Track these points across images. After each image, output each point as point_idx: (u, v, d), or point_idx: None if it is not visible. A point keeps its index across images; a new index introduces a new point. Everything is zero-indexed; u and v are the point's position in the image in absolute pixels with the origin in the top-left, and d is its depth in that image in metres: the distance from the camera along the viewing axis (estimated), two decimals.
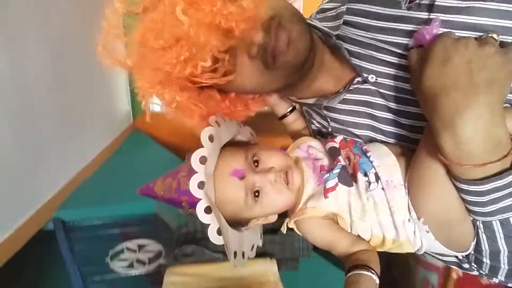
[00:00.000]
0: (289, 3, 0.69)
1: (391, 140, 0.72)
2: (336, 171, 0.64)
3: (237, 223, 0.68)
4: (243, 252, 0.67)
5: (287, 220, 0.69)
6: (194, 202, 0.62)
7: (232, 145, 0.69)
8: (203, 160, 0.61)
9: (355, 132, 0.76)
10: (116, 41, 0.65)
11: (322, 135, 0.83)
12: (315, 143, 0.73)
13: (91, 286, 1.54)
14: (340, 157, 0.67)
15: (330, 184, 0.63)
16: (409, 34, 0.65)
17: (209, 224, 0.61)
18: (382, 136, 0.73)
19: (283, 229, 0.70)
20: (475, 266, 0.60)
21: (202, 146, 0.62)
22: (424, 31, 0.60)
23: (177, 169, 0.69)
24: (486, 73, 0.51)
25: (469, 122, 0.50)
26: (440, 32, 0.59)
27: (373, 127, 0.73)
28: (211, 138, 0.63)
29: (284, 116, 0.86)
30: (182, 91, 0.67)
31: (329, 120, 0.78)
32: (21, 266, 1.72)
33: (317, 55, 0.71)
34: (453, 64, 0.53)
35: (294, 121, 0.86)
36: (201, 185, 0.61)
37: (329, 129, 0.79)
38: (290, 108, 0.85)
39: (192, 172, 0.61)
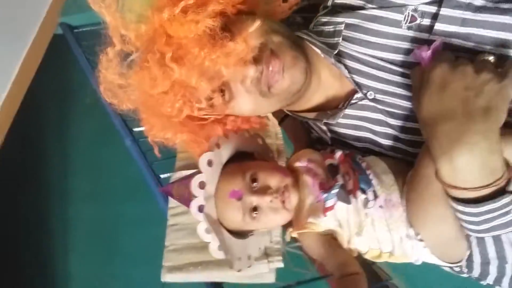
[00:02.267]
0: (278, 25, 0.68)
1: (390, 153, 0.73)
2: (335, 191, 0.65)
3: (242, 232, 0.72)
4: (249, 255, 0.72)
5: (290, 229, 0.71)
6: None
7: (235, 160, 0.72)
8: (202, 185, 0.66)
9: (355, 145, 0.77)
10: (116, 81, 0.66)
11: (321, 143, 0.83)
12: (315, 156, 0.74)
13: None
14: (338, 176, 0.68)
15: (329, 203, 0.65)
16: (409, 52, 0.64)
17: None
18: (382, 149, 0.74)
19: (287, 238, 0.73)
20: (466, 270, 0.62)
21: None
22: (423, 50, 0.59)
23: (190, 176, 0.71)
24: (482, 101, 0.52)
25: (465, 151, 0.51)
26: (438, 50, 0.58)
27: (373, 141, 0.74)
28: (209, 163, 0.66)
29: (282, 120, 0.87)
30: (183, 131, 0.70)
31: (328, 133, 0.79)
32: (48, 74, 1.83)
33: (314, 73, 0.70)
34: (451, 91, 0.54)
35: (293, 124, 0.87)
36: (201, 208, 0.65)
37: (329, 142, 0.80)
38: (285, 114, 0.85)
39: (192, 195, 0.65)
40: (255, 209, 0.67)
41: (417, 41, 0.64)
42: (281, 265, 0.76)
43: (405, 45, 0.65)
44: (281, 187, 0.68)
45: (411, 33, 0.65)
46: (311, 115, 0.79)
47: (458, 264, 0.62)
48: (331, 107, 0.76)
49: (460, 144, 0.51)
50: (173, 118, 0.67)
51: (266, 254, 0.76)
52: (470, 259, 0.60)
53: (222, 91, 0.67)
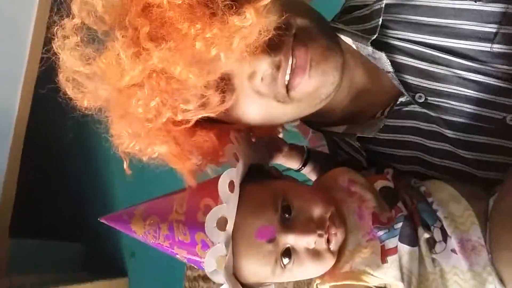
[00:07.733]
0: (304, 4, 0.50)
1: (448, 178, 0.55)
2: (398, 225, 0.47)
3: (253, 286, 0.50)
4: None
5: (317, 281, 0.51)
6: (196, 262, 0.46)
7: (248, 178, 0.49)
8: (223, 223, 0.42)
9: (398, 169, 0.58)
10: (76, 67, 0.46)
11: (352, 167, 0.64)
12: (356, 176, 0.54)
13: None
14: (400, 204, 0.49)
15: (390, 244, 0.46)
16: (475, 36, 0.49)
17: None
18: (435, 173, 0.56)
19: None
20: None
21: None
22: None
23: (165, 201, 0.51)
24: None
25: None
26: None
27: (423, 162, 0.56)
28: (231, 187, 0.44)
29: (299, 169, 0.69)
30: (161, 141, 0.48)
31: (364, 153, 0.59)
32: None
33: (345, 72, 0.51)
34: None
35: (312, 170, 0.69)
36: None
37: (364, 164, 0.61)
38: (302, 164, 0.68)
39: (206, 244, 0.43)
40: (287, 252, 0.45)
41: (488, 18, 0.48)
42: None
43: (470, 25, 0.49)
44: (325, 220, 0.46)
45: (479, 6, 0.48)
46: (340, 129, 0.61)
47: None
48: (366, 117, 0.58)
49: None
50: (147, 123, 0.45)
51: None
52: None
53: (223, 81, 0.46)
